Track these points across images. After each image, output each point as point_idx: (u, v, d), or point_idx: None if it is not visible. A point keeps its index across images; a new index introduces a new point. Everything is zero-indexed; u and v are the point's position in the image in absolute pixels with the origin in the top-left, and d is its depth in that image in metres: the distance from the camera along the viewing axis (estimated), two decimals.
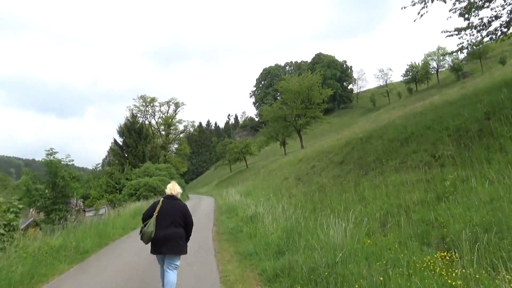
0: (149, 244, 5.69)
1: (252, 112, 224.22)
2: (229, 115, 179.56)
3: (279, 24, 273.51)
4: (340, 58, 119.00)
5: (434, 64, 79.66)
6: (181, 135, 70.72)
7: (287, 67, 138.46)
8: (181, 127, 66.60)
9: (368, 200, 10.36)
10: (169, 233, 5.52)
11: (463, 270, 4.67)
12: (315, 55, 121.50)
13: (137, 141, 51.57)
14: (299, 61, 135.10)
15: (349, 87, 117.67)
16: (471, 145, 10.05)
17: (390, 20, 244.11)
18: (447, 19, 14.67)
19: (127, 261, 9.08)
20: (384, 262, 5.88)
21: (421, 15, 14.93)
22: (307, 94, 44.77)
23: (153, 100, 61.05)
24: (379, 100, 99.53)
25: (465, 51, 15.33)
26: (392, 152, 12.90)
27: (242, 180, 42.47)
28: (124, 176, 41.25)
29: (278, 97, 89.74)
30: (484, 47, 65.93)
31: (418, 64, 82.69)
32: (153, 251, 5.62)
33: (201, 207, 24.54)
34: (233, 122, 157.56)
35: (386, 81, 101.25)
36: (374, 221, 8.85)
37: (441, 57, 75.30)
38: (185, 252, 5.77)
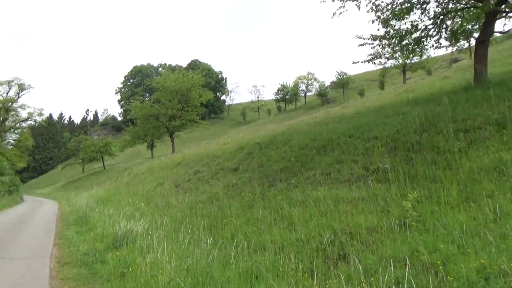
0: None
1: (115, 110, 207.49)
2: (87, 110, 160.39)
3: (153, 23, 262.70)
4: (216, 68, 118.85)
5: (303, 87, 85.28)
6: (24, 124, 58.37)
7: (160, 69, 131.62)
8: (24, 114, 54.63)
9: (292, 220, 7.65)
10: None
11: None
12: (192, 61, 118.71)
13: None
14: (173, 64, 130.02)
15: (221, 98, 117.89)
16: (412, 159, 8.36)
17: (268, 39, 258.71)
18: (369, 22, 13.61)
19: None
20: None
21: (340, 13, 13.62)
22: (185, 94, 41.04)
23: None
24: (249, 114, 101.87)
25: (377, 61, 14.42)
26: (307, 161, 10.63)
27: (98, 183, 36.12)
28: None
29: (147, 98, 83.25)
30: (346, 79, 73.39)
31: (289, 85, 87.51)
32: None
33: (38, 214, 18.57)
34: (92, 118, 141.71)
35: (258, 97, 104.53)
36: (312, 253, 6.15)
37: (310, 81, 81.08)
38: None
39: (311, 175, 9.73)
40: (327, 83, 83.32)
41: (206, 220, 9.82)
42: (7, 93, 52.10)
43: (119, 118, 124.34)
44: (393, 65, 56.29)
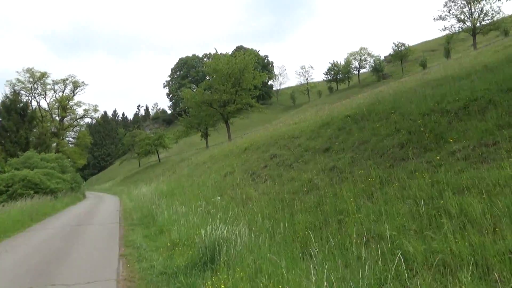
0: None
1: (165, 104, 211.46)
2: (139, 106, 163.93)
3: (196, 20, 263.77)
4: (261, 53, 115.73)
5: (356, 63, 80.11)
6: (81, 122, 59.48)
7: (205, 59, 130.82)
8: (80, 111, 55.31)
9: (471, 217, 4.85)
10: None
11: None
12: (236, 47, 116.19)
13: (19, 124, 40.85)
14: (218, 53, 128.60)
15: (269, 83, 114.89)
16: None
17: (313, 20, 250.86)
18: None
19: None
20: None
21: None
22: (238, 77, 38.59)
23: (43, 75, 48.81)
24: (298, 98, 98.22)
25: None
26: (444, 131, 7.68)
27: (155, 176, 35.12)
28: None
29: (194, 90, 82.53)
30: (405, 50, 67.54)
31: (340, 63, 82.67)
32: None
33: (100, 212, 17.16)
34: (143, 113, 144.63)
35: (307, 79, 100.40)
36: None
37: (363, 57, 75.84)
38: None
39: (460, 148, 6.81)
40: (382, 58, 77.49)
41: (311, 217, 7.30)
42: (63, 92, 52.94)
43: (169, 111, 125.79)
44: (461, 28, 50.45)
